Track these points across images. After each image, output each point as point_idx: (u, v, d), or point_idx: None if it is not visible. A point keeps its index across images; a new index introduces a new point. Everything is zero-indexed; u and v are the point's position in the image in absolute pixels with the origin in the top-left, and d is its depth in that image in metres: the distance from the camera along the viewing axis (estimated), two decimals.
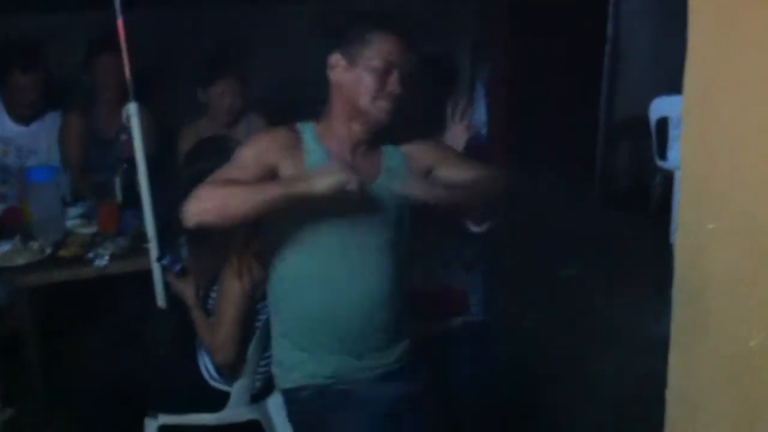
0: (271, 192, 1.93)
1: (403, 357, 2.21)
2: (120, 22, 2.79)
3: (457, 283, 2.75)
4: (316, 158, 2.05)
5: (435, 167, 2.19)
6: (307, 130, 2.10)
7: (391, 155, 2.15)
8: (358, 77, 2.00)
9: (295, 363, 2.15)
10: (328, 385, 2.12)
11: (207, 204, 1.92)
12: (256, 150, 2.05)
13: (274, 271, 2.14)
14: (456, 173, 2.18)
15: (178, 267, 2.63)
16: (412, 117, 2.14)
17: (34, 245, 3.22)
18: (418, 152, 2.18)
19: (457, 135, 2.59)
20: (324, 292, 2.07)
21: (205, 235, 2.49)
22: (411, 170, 2.14)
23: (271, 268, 2.15)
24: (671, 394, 1.16)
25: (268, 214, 1.98)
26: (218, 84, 3.67)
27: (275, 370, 2.24)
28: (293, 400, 2.19)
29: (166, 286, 2.81)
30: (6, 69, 3.75)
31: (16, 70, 3.73)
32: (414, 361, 2.24)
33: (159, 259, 2.79)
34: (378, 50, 1.99)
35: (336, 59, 2.03)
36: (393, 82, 2.00)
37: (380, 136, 2.11)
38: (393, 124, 2.08)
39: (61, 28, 4.42)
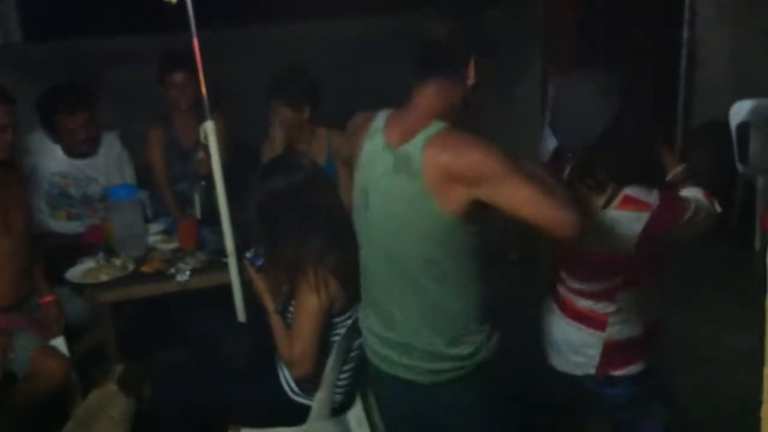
0: None
1: None
2: (195, 42, 2.86)
3: None
4: None
5: None
6: None
7: None
8: None
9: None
10: None
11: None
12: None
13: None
14: None
15: (260, 261, 2.64)
16: None
17: (117, 262, 3.31)
18: None
19: None
20: None
21: (281, 248, 2.51)
22: None
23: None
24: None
25: None
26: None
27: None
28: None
29: (246, 301, 2.84)
30: (52, 114, 3.76)
31: (62, 114, 3.74)
32: None
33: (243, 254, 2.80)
34: None
35: None
36: None
37: None
38: None
39: (139, 49, 4.62)
